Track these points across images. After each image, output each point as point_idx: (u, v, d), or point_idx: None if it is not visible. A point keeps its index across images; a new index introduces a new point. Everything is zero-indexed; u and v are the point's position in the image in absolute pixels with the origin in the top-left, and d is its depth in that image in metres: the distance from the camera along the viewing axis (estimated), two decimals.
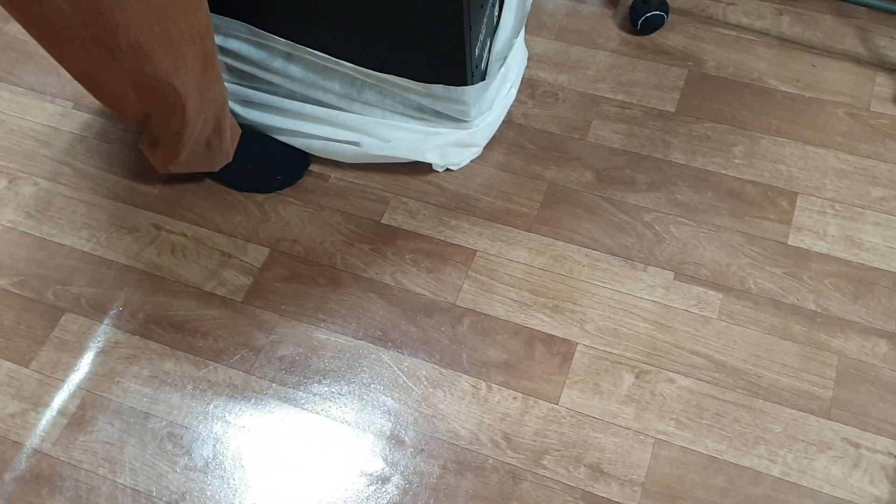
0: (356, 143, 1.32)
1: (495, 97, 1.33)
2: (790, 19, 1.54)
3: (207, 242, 1.33)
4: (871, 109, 1.42)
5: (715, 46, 1.50)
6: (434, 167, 1.36)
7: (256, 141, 1.37)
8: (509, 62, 1.32)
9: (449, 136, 1.31)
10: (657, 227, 1.31)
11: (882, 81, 1.45)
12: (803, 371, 1.17)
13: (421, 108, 1.30)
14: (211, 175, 1.38)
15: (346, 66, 1.23)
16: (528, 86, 1.47)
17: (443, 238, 1.32)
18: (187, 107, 1.11)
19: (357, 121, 1.30)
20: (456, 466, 1.13)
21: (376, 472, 1.13)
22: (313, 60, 1.25)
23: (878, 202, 1.32)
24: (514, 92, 1.40)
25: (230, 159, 1.33)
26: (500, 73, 1.29)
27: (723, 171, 1.36)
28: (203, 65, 1.09)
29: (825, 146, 1.38)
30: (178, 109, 1.11)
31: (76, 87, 1.52)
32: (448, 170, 1.37)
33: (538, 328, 1.23)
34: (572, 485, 1.11)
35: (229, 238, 1.34)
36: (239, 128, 1.33)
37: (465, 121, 1.31)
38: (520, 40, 1.39)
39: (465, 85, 1.22)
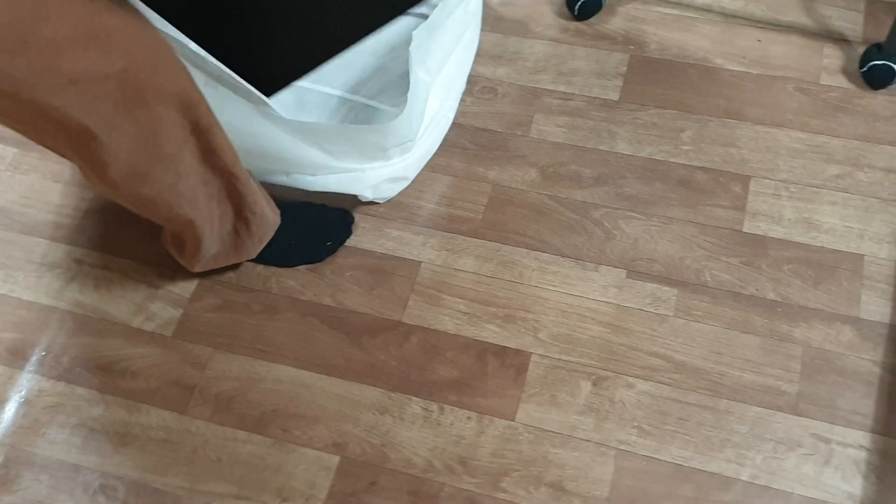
0: (285, 173, 1.22)
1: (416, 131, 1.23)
2: None
3: (132, 275, 1.25)
4: (821, 83, 1.37)
5: (656, 28, 1.44)
6: (360, 198, 1.26)
7: (294, 211, 1.23)
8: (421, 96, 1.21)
9: (382, 171, 1.22)
10: (606, 224, 1.24)
11: (830, 53, 1.40)
12: (767, 365, 1.12)
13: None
14: (256, 258, 1.23)
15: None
16: (466, 82, 1.39)
17: (384, 251, 1.25)
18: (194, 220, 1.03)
19: (290, 155, 1.18)
20: (410, 498, 1.06)
21: None
22: None
23: (834, 180, 1.27)
24: (450, 116, 1.33)
25: (264, 244, 1.19)
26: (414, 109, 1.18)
27: (671, 159, 1.30)
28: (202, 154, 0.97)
29: (776, 125, 1.32)
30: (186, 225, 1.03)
31: None
32: (373, 202, 1.28)
33: (490, 340, 1.17)
34: None
35: (155, 268, 1.25)
36: (276, 207, 1.18)
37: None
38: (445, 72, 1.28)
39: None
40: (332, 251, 1.24)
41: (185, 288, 1.23)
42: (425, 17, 1.40)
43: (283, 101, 1.31)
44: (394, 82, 1.35)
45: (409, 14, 1.40)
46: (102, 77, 0.78)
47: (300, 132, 1.14)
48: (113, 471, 1.10)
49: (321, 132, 1.14)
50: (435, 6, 1.39)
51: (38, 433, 1.13)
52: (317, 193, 1.23)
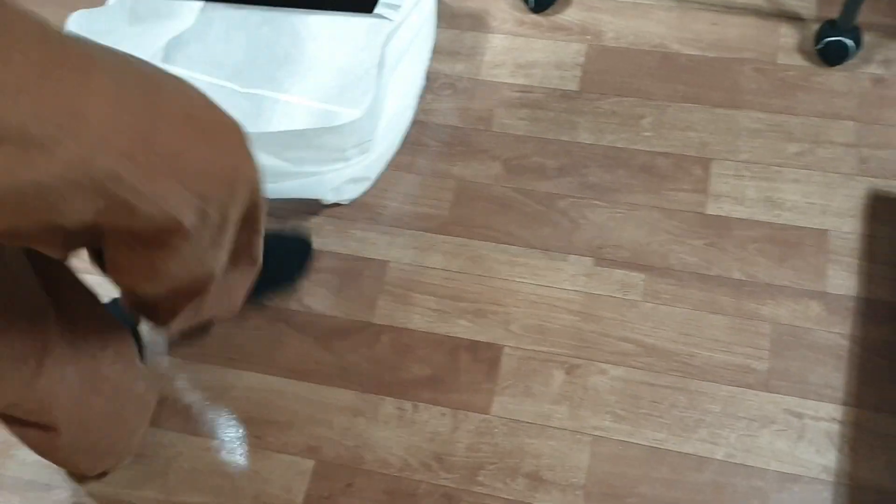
0: None
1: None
2: None
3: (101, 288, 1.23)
4: (778, 62, 1.37)
5: (612, 16, 1.44)
6: (322, 202, 1.25)
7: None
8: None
9: (342, 172, 1.21)
10: (572, 213, 1.25)
11: (786, 32, 1.41)
12: (736, 344, 1.12)
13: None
14: None
15: None
16: (425, 79, 1.39)
17: (350, 252, 1.24)
18: None
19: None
20: (387, 497, 1.05)
21: None
22: None
23: (795, 158, 1.27)
24: (410, 114, 1.33)
25: None
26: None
27: (632, 146, 1.30)
28: None
29: (735, 106, 1.33)
30: None
31: None
32: (337, 204, 1.28)
33: (461, 336, 1.17)
34: (511, 498, 1.04)
35: None
36: None
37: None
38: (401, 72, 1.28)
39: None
40: (296, 276, 1.21)
41: None
42: (381, 17, 1.40)
43: (241, 110, 1.30)
44: (350, 84, 1.35)
45: (366, 15, 1.40)
46: (200, 173, 0.73)
47: (256, 144, 1.13)
48: (85, 488, 1.08)
49: (277, 141, 1.14)
50: (393, 7, 1.39)
51: (8, 454, 1.11)
52: (277, 201, 1.22)
